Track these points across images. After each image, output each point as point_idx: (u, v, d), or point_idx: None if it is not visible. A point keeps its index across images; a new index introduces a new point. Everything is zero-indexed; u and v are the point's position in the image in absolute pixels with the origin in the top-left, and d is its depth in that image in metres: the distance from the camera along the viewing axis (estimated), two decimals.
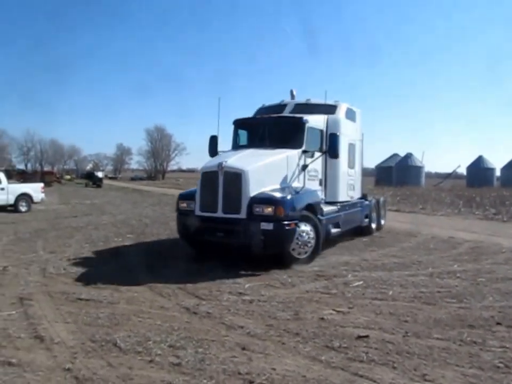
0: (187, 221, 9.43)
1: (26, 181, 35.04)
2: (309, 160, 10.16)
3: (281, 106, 12.15)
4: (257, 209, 8.62)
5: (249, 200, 8.70)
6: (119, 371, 4.36)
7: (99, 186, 59.49)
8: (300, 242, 9.00)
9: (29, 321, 5.77)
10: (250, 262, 8.91)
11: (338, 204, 11.36)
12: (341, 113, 11.74)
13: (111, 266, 9.02)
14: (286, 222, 8.59)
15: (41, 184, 24.27)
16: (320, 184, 10.87)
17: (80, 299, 6.74)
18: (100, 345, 5.00)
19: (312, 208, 9.54)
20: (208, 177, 9.25)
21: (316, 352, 4.86)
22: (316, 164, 10.51)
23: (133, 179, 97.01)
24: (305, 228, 9.08)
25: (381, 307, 6.41)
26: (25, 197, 22.12)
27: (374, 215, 14.36)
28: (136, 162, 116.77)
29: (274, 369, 4.42)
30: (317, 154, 10.45)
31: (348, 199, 12.28)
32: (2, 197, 21.18)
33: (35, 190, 22.85)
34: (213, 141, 11.50)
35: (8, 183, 22.33)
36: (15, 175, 53.58)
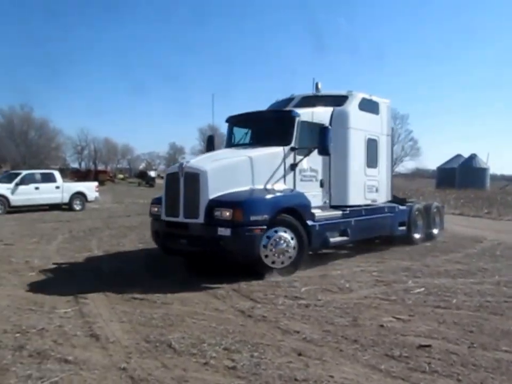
0: (156, 226, 9.04)
1: (80, 179, 36.25)
2: (300, 159, 9.08)
3: (288, 100, 11.27)
4: (217, 213, 7.78)
5: (208, 203, 7.90)
6: (173, 373, 4.28)
7: (151, 185, 59.89)
8: (274, 250, 8.03)
9: (84, 320, 5.82)
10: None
11: (348, 209, 9.97)
12: (351, 104, 10.42)
13: (165, 266, 9.06)
14: (248, 227, 7.71)
15: (95, 183, 24.96)
16: (321, 185, 9.68)
17: (135, 298, 6.76)
18: (154, 345, 4.96)
19: (296, 212, 8.51)
20: (171, 179, 8.59)
21: (375, 360, 4.62)
22: (314, 162, 9.43)
23: None
24: (282, 234, 8.12)
25: (444, 316, 6.06)
26: (79, 195, 22.82)
27: (419, 223, 12.65)
28: None
29: (332, 376, 4.22)
30: (315, 151, 9.30)
31: (366, 202, 10.85)
32: (57, 196, 21.93)
33: (89, 189, 23.52)
34: (210, 140, 11.04)
35: (63, 181, 23.11)
36: (69, 174, 55.46)
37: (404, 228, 11.91)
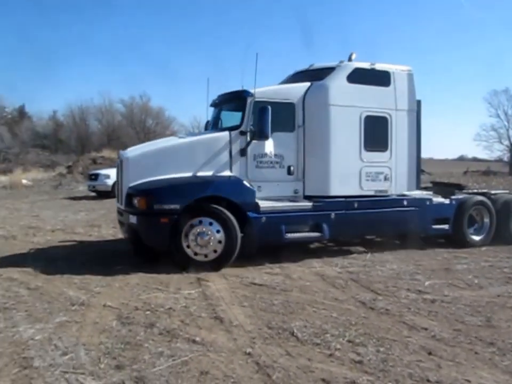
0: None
1: None
2: (256, 144, 8.18)
3: (286, 78, 10.20)
4: (133, 201, 7.63)
5: (127, 190, 7.81)
6: (298, 362, 4.23)
7: None
8: (197, 242, 7.51)
9: (207, 302, 5.98)
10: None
11: (324, 200, 8.61)
12: (336, 77, 8.86)
13: (282, 253, 8.97)
14: (153, 217, 7.44)
15: None
16: (290, 173, 8.56)
17: (254, 283, 6.84)
18: (276, 332, 4.95)
19: (231, 202, 7.81)
20: (117, 166, 8.87)
21: None
22: (279, 146, 8.34)
23: None
24: (206, 225, 7.56)
25: None
26: None
27: (485, 221, 10.22)
28: None
29: (468, 381, 3.90)
30: (282, 135, 8.42)
31: (365, 193, 9.08)
32: None
33: None
34: (207, 126, 10.37)
35: None
36: None
37: (445, 226, 9.80)
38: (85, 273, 7.29)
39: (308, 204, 8.47)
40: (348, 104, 8.84)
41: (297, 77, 9.62)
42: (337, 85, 8.84)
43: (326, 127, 8.72)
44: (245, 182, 8.08)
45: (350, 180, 8.93)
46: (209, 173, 8.05)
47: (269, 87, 8.77)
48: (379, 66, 9.30)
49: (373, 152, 9.14)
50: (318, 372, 4.03)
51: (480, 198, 10.35)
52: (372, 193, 9.14)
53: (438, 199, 10.00)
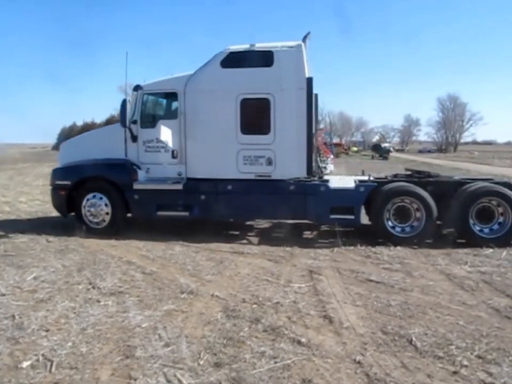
0: None
1: None
2: (144, 131, 9.30)
3: None
4: None
5: None
6: (415, 377, 3.71)
7: (385, 158, 58.41)
8: (91, 212, 9.31)
9: (318, 298, 5.63)
10: None
11: (195, 182, 9.16)
12: (210, 64, 9.12)
13: (402, 245, 8.28)
14: (55, 190, 9.63)
15: (331, 156, 25.24)
16: (174, 156, 9.23)
17: (370, 280, 6.30)
18: (392, 338, 4.44)
19: (110, 180, 9.33)
20: None
21: None
22: (163, 133, 8.96)
23: (420, 151, 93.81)
24: (96, 199, 9.31)
25: None
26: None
27: (418, 216, 8.44)
28: (425, 134, 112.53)
29: None
30: (167, 122, 9.16)
31: (243, 176, 8.99)
32: None
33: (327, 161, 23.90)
34: None
35: None
36: None
37: (349, 216, 8.65)
38: (198, 260, 7.32)
39: (179, 185, 9.17)
40: (221, 89, 9.03)
41: None
42: (210, 72, 9.13)
43: (200, 113, 9.15)
44: (125, 165, 9.33)
45: (225, 164, 9.12)
46: (110, 157, 9.44)
47: (158, 79, 9.63)
48: (260, 46, 9.00)
49: (252, 135, 9.04)
50: None
51: (412, 188, 8.55)
52: (252, 176, 9.09)
53: (338, 185, 9.10)
